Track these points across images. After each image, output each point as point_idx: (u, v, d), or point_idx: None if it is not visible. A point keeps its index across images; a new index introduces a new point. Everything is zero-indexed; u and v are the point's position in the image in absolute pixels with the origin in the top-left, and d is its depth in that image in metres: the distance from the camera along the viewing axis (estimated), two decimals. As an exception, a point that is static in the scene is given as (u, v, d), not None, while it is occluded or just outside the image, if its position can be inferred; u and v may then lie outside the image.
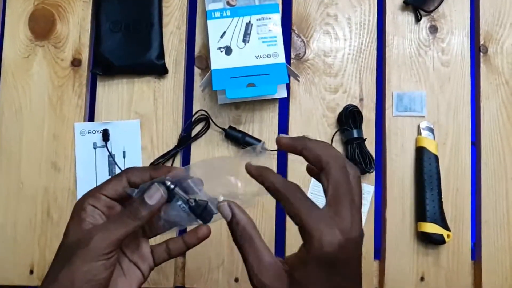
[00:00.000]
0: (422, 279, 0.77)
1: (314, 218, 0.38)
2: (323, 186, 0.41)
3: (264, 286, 0.40)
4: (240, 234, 0.42)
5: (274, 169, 0.78)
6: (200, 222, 0.46)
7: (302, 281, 0.39)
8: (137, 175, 0.46)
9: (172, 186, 0.44)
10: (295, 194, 0.40)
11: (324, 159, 0.41)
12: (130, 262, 0.48)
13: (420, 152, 0.78)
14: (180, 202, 0.45)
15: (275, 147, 0.78)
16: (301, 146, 0.43)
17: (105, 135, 0.77)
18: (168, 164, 0.78)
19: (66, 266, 0.41)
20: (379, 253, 0.79)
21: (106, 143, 0.77)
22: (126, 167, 0.77)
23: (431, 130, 0.79)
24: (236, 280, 0.76)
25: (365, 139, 0.77)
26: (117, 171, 0.77)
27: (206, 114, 0.78)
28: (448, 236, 0.75)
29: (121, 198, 0.46)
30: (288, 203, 0.40)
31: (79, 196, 0.76)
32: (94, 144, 0.78)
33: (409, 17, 0.82)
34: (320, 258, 0.38)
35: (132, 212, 0.43)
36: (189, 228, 0.49)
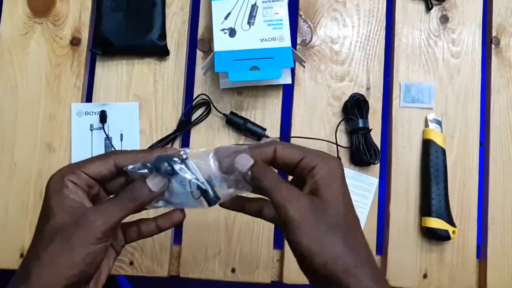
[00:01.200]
0: (425, 276, 0.74)
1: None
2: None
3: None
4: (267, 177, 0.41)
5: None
6: (201, 205, 0.43)
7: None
8: (127, 160, 0.43)
9: (179, 165, 0.42)
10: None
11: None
12: None
13: (427, 144, 0.75)
14: (185, 181, 0.42)
15: (277, 135, 0.76)
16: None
17: (103, 116, 0.75)
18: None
19: (63, 249, 0.39)
20: (381, 248, 0.77)
21: (103, 125, 0.75)
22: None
23: (439, 122, 0.76)
24: (233, 270, 0.74)
25: (370, 130, 0.74)
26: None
27: (207, 98, 0.76)
28: (453, 232, 0.73)
29: (102, 180, 0.43)
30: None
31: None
32: (91, 125, 0.76)
33: (420, 6, 0.80)
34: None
35: (134, 196, 0.41)
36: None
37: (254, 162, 0.42)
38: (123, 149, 0.75)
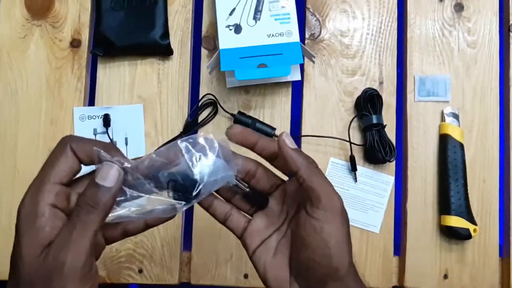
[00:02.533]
0: (445, 276, 0.71)
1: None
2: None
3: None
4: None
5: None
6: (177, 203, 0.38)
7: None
8: (82, 150, 0.36)
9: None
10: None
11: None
12: None
13: (444, 139, 0.72)
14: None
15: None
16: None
17: (106, 120, 0.72)
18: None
19: None
20: (399, 248, 0.74)
21: (107, 129, 0.72)
22: (129, 155, 0.72)
23: (456, 116, 0.73)
24: (246, 276, 0.71)
25: (385, 126, 0.71)
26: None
27: (214, 98, 0.73)
28: (474, 230, 0.70)
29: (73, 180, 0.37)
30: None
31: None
32: (95, 130, 0.73)
33: (433, -6, 0.76)
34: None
35: (89, 204, 0.34)
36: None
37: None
38: (128, 154, 0.72)
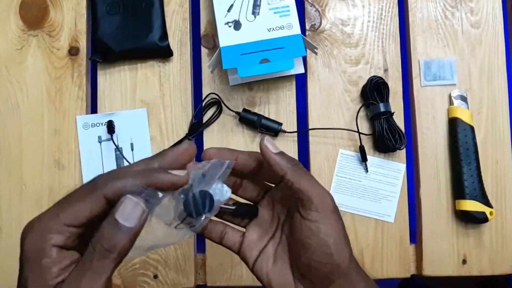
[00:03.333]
0: (464, 261, 0.70)
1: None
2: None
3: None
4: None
5: (295, 153, 0.72)
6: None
7: None
8: (118, 189, 0.32)
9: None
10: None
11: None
12: None
13: (454, 123, 0.71)
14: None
15: (294, 129, 0.72)
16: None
17: (110, 127, 0.71)
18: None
19: None
20: (415, 236, 0.73)
21: (111, 136, 0.71)
22: (135, 160, 0.71)
23: (464, 98, 0.72)
24: (262, 274, 0.70)
25: (393, 113, 0.70)
26: (126, 164, 0.71)
27: (218, 97, 0.72)
28: (490, 213, 0.69)
29: (92, 220, 0.33)
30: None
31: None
32: (99, 137, 0.72)
33: (432, -24, 0.75)
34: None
35: (104, 247, 0.30)
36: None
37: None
38: (135, 159, 0.72)
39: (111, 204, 0.32)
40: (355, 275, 0.41)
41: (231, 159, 0.40)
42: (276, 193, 0.44)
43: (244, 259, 0.44)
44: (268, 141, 0.40)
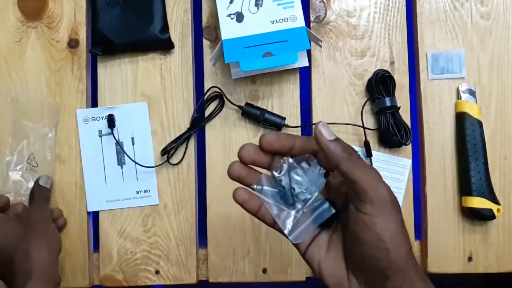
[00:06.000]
0: (470, 259, 0.69)
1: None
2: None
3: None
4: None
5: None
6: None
7: None
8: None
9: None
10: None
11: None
12: None
13: (461, 118, 0.69)
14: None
15: (298, 123, 0.70)
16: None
17: (111, 121, 0.70)
18: (182, 148, 0.70)
19: None
20: (420, 232, 0.72)
21: (112, 130, 0.70)
22: (137, 154, 0.70)
23: (473, 92, 0.70)
24: (264, 271, 0.70)
25: (399, 108, 0.69)
26: (126, 159, 0.70)
27: (220, 91, 0.71)
28: (498, 210, 0.67)
29: None
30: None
31: (88, 190, 0.69)
32: (100, 131, 0.71)
33: (441, -35, 0.72)
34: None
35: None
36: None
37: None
38: (136, 153, 0.70)
39: None
40: (413, 273, 0.38)
41: (289, 144, 0.40)
42: (333, 180, 0.43)
43: (295, 244, 0.42)
44: (323, 126, 0.38)
